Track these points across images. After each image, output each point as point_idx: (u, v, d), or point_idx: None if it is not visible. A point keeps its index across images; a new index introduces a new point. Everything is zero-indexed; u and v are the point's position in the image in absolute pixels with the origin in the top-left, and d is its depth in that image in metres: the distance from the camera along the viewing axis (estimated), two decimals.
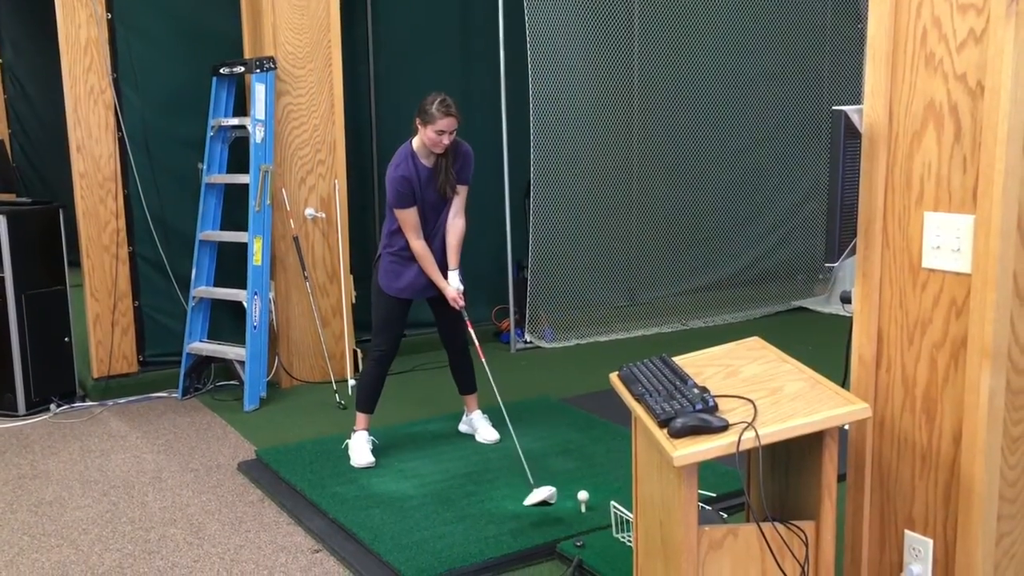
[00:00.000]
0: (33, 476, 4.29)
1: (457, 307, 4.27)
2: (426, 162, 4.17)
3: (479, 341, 4.50)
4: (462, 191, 4.27)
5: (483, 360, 4.34)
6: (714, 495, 3.67)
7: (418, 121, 4.07)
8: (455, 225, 4.28)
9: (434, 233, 4.26)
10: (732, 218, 7.31)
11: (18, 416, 5.11)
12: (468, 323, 4.36)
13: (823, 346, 5.76)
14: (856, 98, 7.19)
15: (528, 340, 6.45)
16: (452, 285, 4.25)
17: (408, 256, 4.23)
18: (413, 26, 6.25)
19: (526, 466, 3.99)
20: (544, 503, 3.70)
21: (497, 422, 4.49)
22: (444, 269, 4.27)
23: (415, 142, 4.16)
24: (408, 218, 4.15)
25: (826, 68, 7.45)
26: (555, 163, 6.39)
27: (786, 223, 7.54)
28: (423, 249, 4.20)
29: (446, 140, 4.06)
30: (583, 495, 3.65)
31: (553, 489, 3.74)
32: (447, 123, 4.02)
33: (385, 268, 4.28)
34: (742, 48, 7.06)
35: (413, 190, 4.13)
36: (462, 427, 4.63)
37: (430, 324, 4.55)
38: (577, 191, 6.57)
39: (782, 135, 7.36)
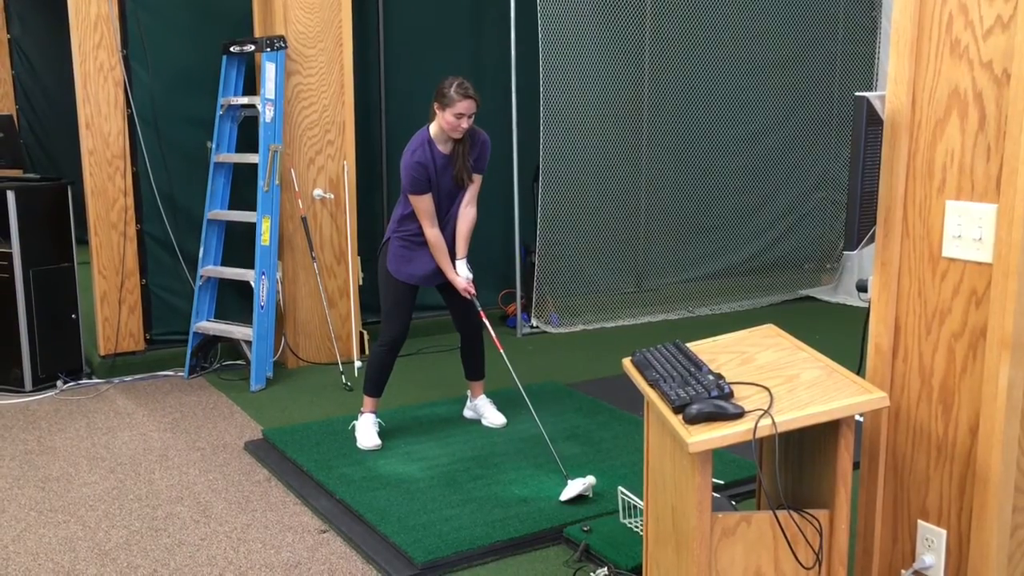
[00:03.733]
0: (40, 452, 4.30)
1: (468, 296, 4.24)
2: (443, 148, 4.11)
3: (493, 329, 4.41)
4: (477, 180, 4.22)
5: (501, 351, 4.25)
6: (722, 482, 3.67)
7: (436, 106, 4.00)
8: (467, 214, 4.23)
9: (446, 221, 4.21)
10: (741, 206, 7.28)
11: (25, 392, 5.11)
12: (481, 313, 4.32)
13: (831, 335, 5.75)
14: (868, 86, 7.15)
15: (534, 325, 6.44)
16: (461, 274, 4.22)
17: (419, 241, 4.19)
18: (424, 7, 6.21)
19: (558, 459, 3.88)
20: (581, 496, 3.56)
21: (517, 409, 4.47)
22: (453, 258, 4.24)
23: (432, 128, 4.10)
24: (423, 205, 4.11)
25: (838, 55, 7.40)
26: (564, 148, 6.36)
27: (795, 212, 7.51)
28: (436, 238, 4.15)
29: (465, 124, 3.99)
30: (590, 480, 3.64)
31: (589, 481, 3.58)
32: (466, 105, 3.95)
33: (395, 252, 4.24)
34: (754, 35, 7.02)
35: (428, 176, 4.08)
36: (467, 413, 4.61)
37: (437, 307, 4.52)
38: (586, 176, 6.55)
39: (792, 123, 7.32)
